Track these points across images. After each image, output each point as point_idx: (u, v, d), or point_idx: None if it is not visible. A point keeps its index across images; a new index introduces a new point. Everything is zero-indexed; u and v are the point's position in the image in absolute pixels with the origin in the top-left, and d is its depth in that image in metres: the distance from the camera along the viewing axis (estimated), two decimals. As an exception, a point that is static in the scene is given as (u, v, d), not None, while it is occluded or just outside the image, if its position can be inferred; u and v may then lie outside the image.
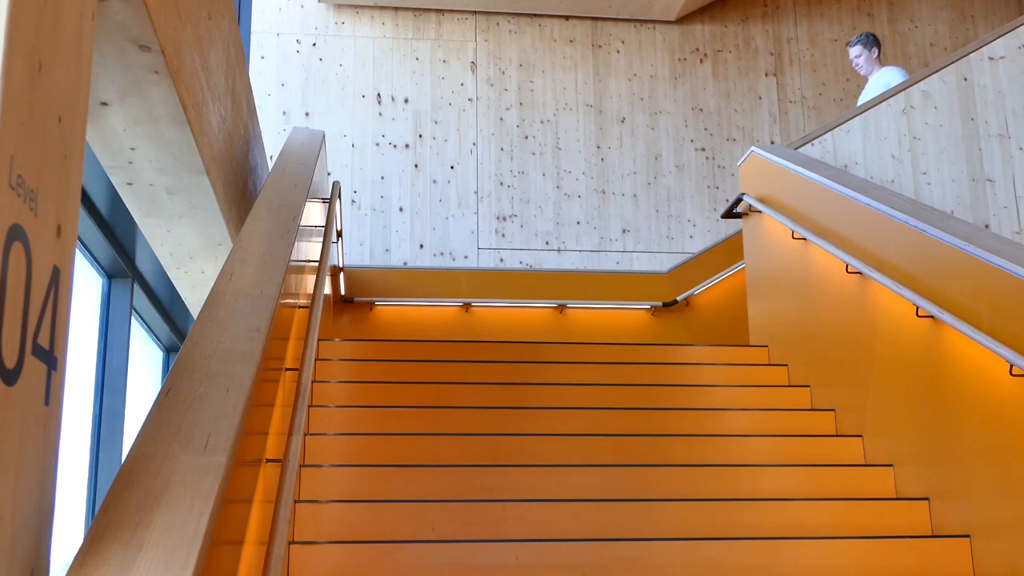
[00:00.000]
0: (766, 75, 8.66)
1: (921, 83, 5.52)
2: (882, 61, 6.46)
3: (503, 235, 8.00)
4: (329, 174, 7.26)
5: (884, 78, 6.15)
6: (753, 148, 5.87)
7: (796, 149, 5.83)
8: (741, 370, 5.25)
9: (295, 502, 3.51)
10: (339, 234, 6.20)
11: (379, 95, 8.17)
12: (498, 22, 8.49)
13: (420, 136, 8.13)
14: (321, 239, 4.83)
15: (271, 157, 7.29)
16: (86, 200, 4.57)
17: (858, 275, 4.48)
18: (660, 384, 4.95)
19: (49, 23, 1.45)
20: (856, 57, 6.32)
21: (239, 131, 5.06)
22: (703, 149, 8.40)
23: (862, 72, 6.35)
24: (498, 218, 8.03)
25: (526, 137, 8.24)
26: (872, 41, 6.32)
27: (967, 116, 5.39)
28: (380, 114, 8.14)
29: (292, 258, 3.35)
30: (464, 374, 4.97)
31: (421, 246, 7.89)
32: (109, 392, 5.18)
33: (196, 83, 3.79)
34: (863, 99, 6.16)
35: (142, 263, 5.48)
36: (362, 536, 3.54)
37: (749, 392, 4.94)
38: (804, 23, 8.86)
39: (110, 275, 5.29)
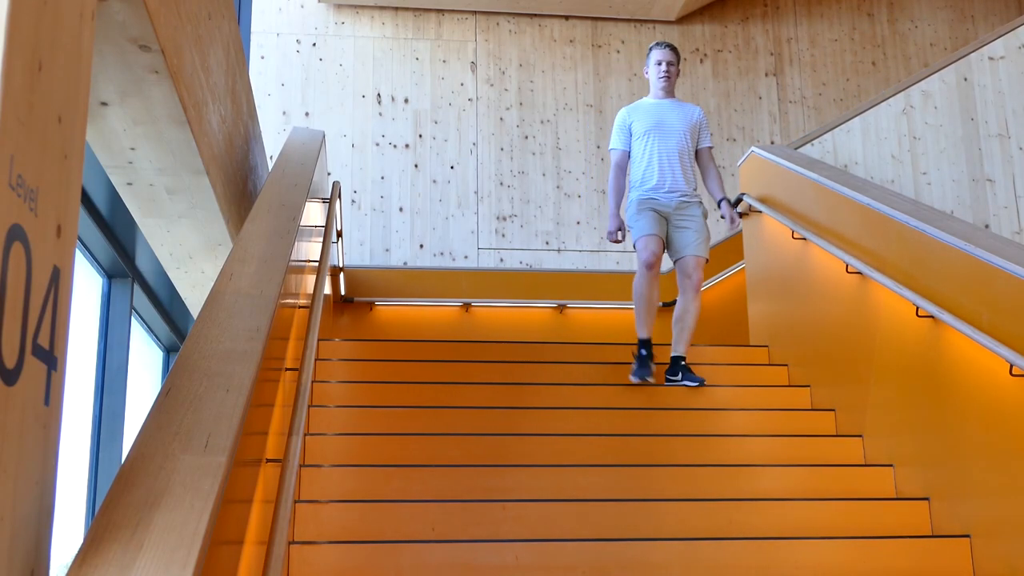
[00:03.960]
0: (766, 75, 8.66)
1: (921, 83, 5.53)
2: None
3: (503, 235, 8.00)
4: (329, 174, 7.26)
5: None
6: (753, 148, 5.87)
7: (796, 149, 5.83)
8: (741, 370, 5.25)
9: (295, 502, 3.51)
10: (339, 234, 6.20)
11: (379, 95, 8.17)
12: (498, 22, 8.49)
13: (420, 136, 8.13)
14: (321, 239, 4.83)
15: (271, 157, 7.29)
16: (86, 200, 4.57)
17: (858, 275, 4.47)
18: (660, 384, 4.94)
19: (49, 23, 1.45)
20: (671, 65, 5.20)
21: (239, 131, 5.06)
22: (703, 149, 8.40)
23: (664, 83, 5.18)
24: (498, 218, 8.03)
25: (526, 137, 8.24)
26: None
27: (967, 116, 5.39)
28: (380, 114, 8.14)
29: (292, 258, 3.35)
30: (464, 374, 4.97)
31: (421, 246, 7.89)
32: (109, 392, 5.18)
33: (196, 83, 3.79)
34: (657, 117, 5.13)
35: (142, 263, 5.49)
36: (362, 536, 3.54)
37: (749, 392, 4.94)
38: (804, 23, 8.86)
39: (110, 275, 5.29)
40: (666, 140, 5.08)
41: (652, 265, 4.89)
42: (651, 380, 4.81)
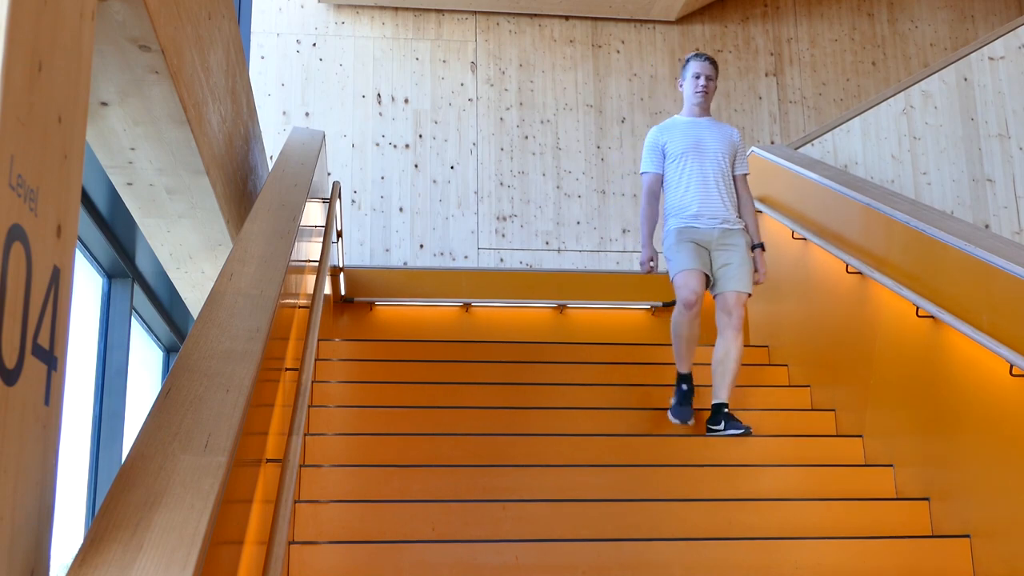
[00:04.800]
0: (766, 75, 8.66)
1: (921, 83, 5.53)
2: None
3: (503, 235, 8.00)
4: (329, 174, 7.26)
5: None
6: (753, 148, 5.88)
7: (796, 149, 5.83)
8: (741, 370, 5.24)
9: (295, 502, 3.51)
10: (339, 234, 6.20)
11: (379, 95, 8.17)
12: (498, 22, 8.49)
13: (420, 136, 8.13)
14: (321, 239, 4.83)
15: (271, 157, 7.29)
16: (86, 200, 4.57)
17: (858, 275, 4.47)
18: (660, 384, 4.94)
19: (49, 23, 1.45)
20: (709, 79, 4.73)
21: (239, 131, 5.06)
22: (703, 149, 8.40)
23: (701, 99, 4.71)
24: (498, 218, 8.03)
25: (526, 137, 8.24)
26: None
27: (967, 116, 5.39)
28: (380, 114, 8.14)
29: (292, 258, 3.35)
30: (464, 374, 4.97)
31: (421, 246, 7.89)
32: (109, 392, 5.18)
33: (196, 83, 3.79)
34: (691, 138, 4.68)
35: (142, 263, 5.49)
36: (362, 536, 3.54)
37: (749, 392, 4.94)
38: (804, 23, 8.86)
39: (110, 275, 5.29)
40: (705, 162, 4.61)
41: (692, 304, 4.45)
42: (691, 423, 4.52)
